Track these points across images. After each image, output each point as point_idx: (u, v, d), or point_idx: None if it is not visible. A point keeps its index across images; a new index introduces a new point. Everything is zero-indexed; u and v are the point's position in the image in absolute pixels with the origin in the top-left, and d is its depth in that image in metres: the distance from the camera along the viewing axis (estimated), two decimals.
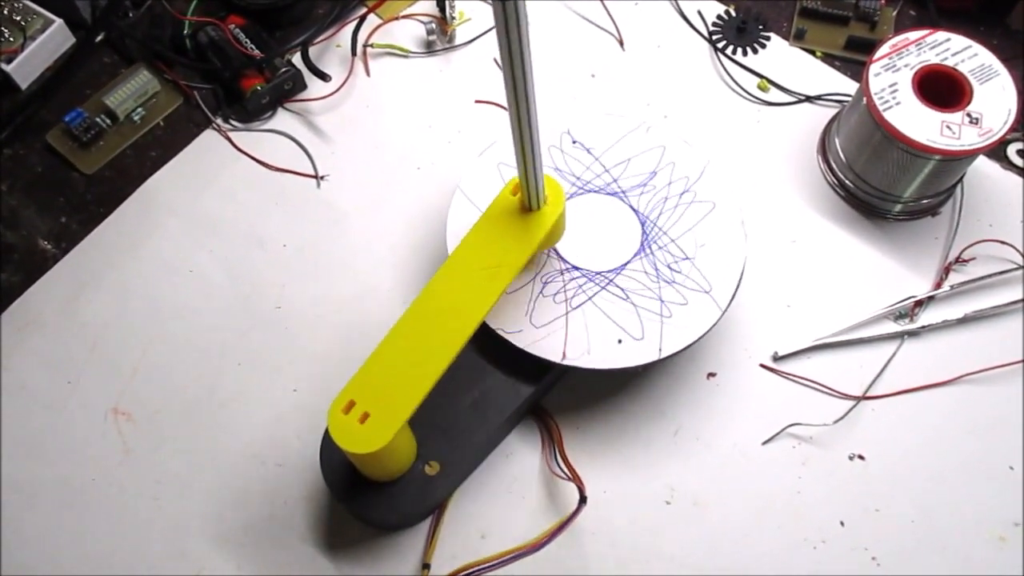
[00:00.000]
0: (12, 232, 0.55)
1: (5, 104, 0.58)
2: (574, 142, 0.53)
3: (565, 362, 0.46)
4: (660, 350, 0.47)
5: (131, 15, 0.61)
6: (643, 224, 0.50)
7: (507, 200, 0.45)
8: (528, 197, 0.44)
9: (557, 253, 0.49)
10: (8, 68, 0.58)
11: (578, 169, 0.52)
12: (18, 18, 0.59)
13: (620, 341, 0.47)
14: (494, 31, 0.60)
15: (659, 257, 0.49)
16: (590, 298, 0.48)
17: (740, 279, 0.49)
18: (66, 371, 0.51)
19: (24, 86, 0.59)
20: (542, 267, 0.49)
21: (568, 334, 0.47)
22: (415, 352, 0.42)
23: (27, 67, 0.59)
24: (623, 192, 0.51)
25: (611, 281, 0.49)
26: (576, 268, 0.49)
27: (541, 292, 0.48)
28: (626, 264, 0.49)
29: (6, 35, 0.59)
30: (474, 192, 0.51)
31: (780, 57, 0.61)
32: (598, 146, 0.53)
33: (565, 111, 0.54)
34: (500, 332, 0.47)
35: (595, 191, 0.51)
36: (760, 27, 0.62)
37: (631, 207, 0.51)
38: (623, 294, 0.48)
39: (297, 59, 0.59)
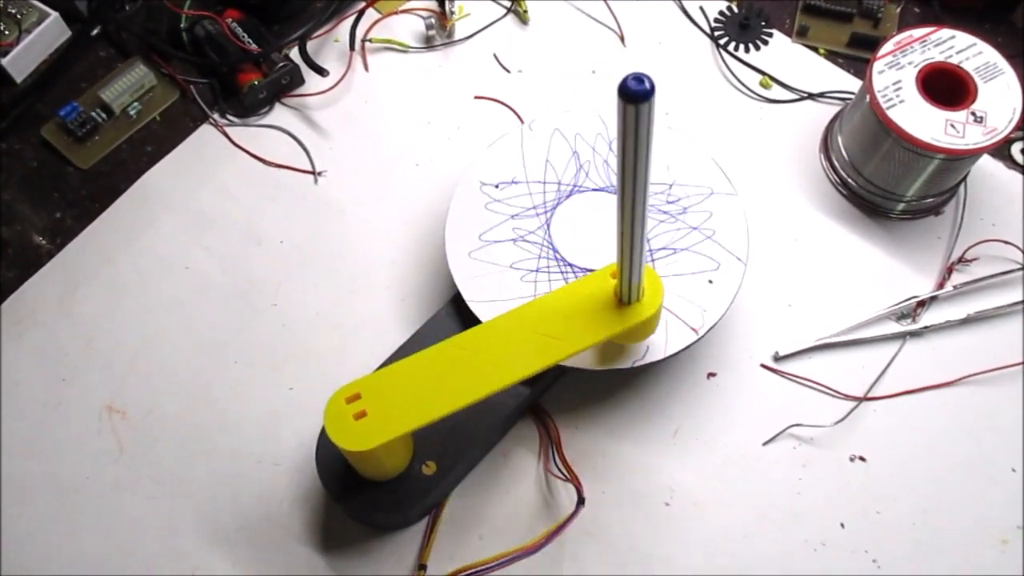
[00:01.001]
0: (7, 227, 0.55)
1: (0, 98, 0.58)
2: (570, 140, 0.52)
3: (564, 362, 0.46)
4: (659, 351, 0.46)
5: (127, 8, 0.60)
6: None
7: (603, 281, 0.43)
8: (622, 291, 0.42)
9: (557, 252, 0.49)
10: (3, 61, 0.57)
11: (575, 167, 0.51)
12: (14, 11, 0.59)
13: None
14: (494, 26, 0.61)
15: (659, 255, 0.49)
16: None
17: (741, 278, 0.48)
18: (60, 368, 0.51)
19: (19, 80, 0.59)
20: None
21: None
22: (440, 380, 0.41)
23: (22, 60, 0.58)
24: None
25: None
26: (575, 266, 0.49)
27: (537, 291, 0.48)
28: None
29: (1, 28, 0.58)
30: (477, 188, 0.51)
31: (783, 54, 0.61)
32: (597, 144, 0.52)
33: (565, 108, 0.53)
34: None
35: (594, 189, 0.51)
36: (763, 23, 0.61)
37: None
38: None
39: (295, 54, 0.59)
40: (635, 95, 0.30)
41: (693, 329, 0.47)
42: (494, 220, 0.50)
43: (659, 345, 0.47)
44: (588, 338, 0.42)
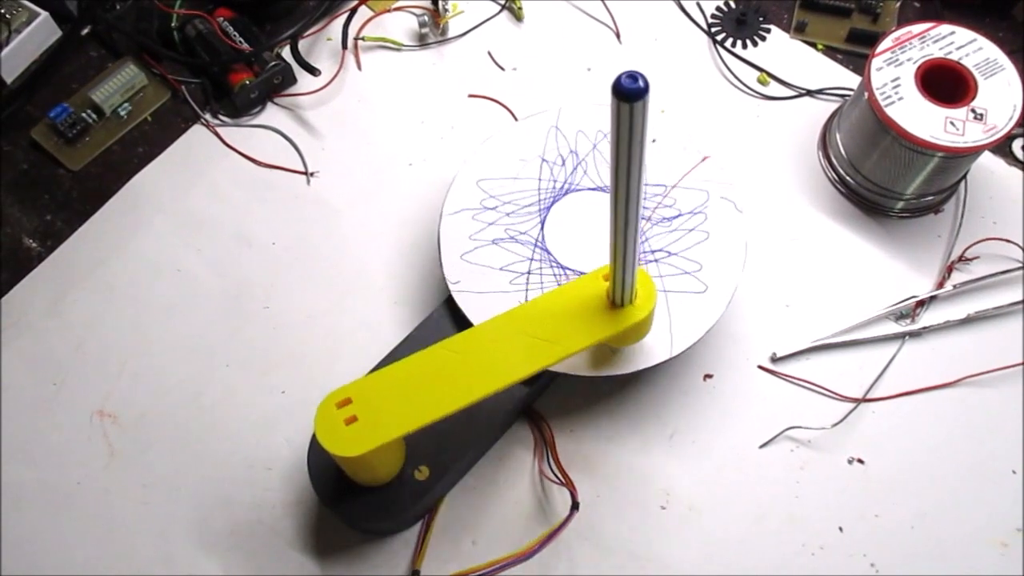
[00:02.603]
0: None
1: None
2: (565, 138, 0.52)
3: (559, 369, 0.45)
4: (655, 355, 0.46)
5: (118, 8, 0.60)
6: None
7: (596, 283, 0.42)
8: (615, 293, 0.41)
9: (550, 255, 0.48)
10: None
11: (570, 167, 0.51)
12: (3, 11, 0.58)
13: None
14: (489, 23, 0.60)
15: (654, 256, 0.48)
16: None
17: (738, 278, 0.48)
18: (51, 372, 0.50)
19: (9, 80, 0.58)
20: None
21: None
22: (431, 384, 0.40)
23: (12, 61, 0.58)
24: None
25: None
26: (567, 269, 0.48)
27: (531, 296, 0.47)
28: None
29: None
30: (470, 188, 0.50)
31: (780, 50, 0.60)
32: (592, 141, 0.51)
33: (559, 106, 0.53)
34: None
35: (588, 188, 0.50)
36: (760, 19, 0.61)
37: None
38: None
39: (287, 53, 0.58)
40: (629, 93, 0.30)
41: (689, 331, 0.46)
42: (488, 220, 0.49)
43: (654, 349, 0.46)
44: (581, 341, 0.42)
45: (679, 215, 0.49)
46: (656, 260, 0.48)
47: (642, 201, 0.36)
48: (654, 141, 0.51)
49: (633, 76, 0.30)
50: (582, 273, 0.48)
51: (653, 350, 0.46)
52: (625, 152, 0.33)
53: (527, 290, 0.48)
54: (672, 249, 0.48)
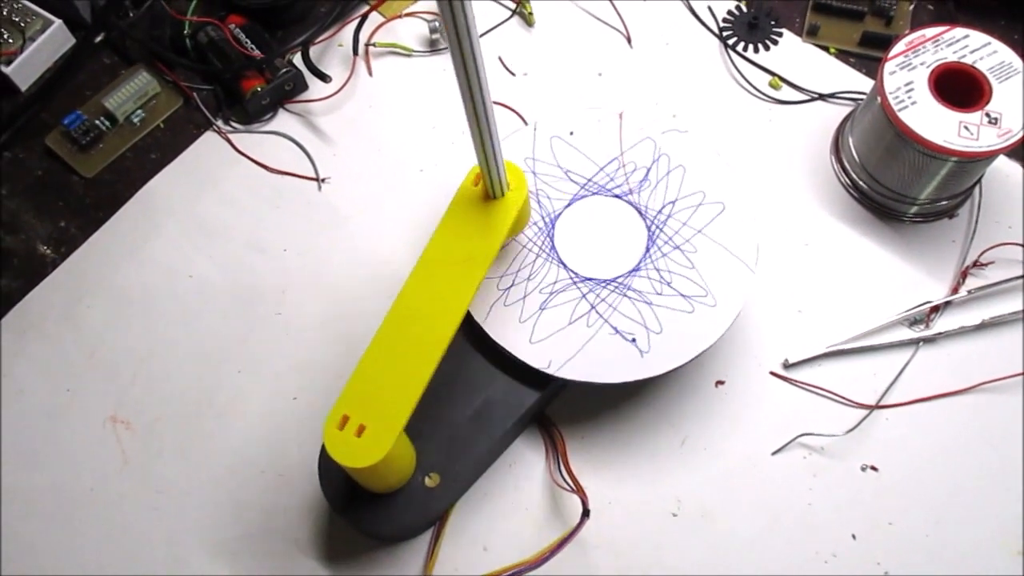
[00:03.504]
0: (12, 237, 0.55)
1: (4, 106, 0.58)
2: (576, 143, 0.51)
3: (568, 376, 0.45)
4: (668, 361, 0.46)
5: (131, 15, 0.60)
6: (649, 228, 0.49)
7: (469, 191, 0.45)
8: (490, 185, 0.43)
9: (561, 261, 0.48)
10: (7, 70, 0.57)
11: (582, 171, 0.51)
12: (17, 19, 0.59)
13: (631, 344, 0.46)
14: (499, 28, 0.60)
15: (666, 262, 0.48)
16: (592, 307, 0.47)
17: (750, 284, 0.47)
18: (65, 378, 0.51)
19: (24, 88, 0.59)
20: (517, 257, 0.48)
21: (572, 345, 0.46)
22: (401, 358, 0.41)
23: (27, 69, 0.58)
24: (628, 193, 0.50)
25: (616, 289, 0.47)
26: (579, 276, 0.48)
27: (544, 303, 0.47)
28: (632, 271, 0.48)
29: (5, 36, 0.58)
30: None
31: (793, 54, 0.59)
32: (602, 146, 0.51)
33: (570, 110, 0.53)
34: (501, 345, 0.46)
35: (598, 193, 0.50)
36: (772, 23, 0.60)
37: (636, 209, 0.49)
38: (629, 302, 0.47)
39: (298, 59, 0.58)
40: None
41: (701, 338, 0.46)
42: None
43: (668, 355, 0.46)
44: (490, 244, 0.44)
45: (690, 218, 0.49)
46: (663, 268, 0.48)
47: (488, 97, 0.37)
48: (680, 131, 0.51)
49: None
50: (590, 278, 0.48)
51: (665, 356, 0.46)
52: (455, 40, 0.34)
53: (526, 292, 0.47)
54: (683, 256, 0.48)
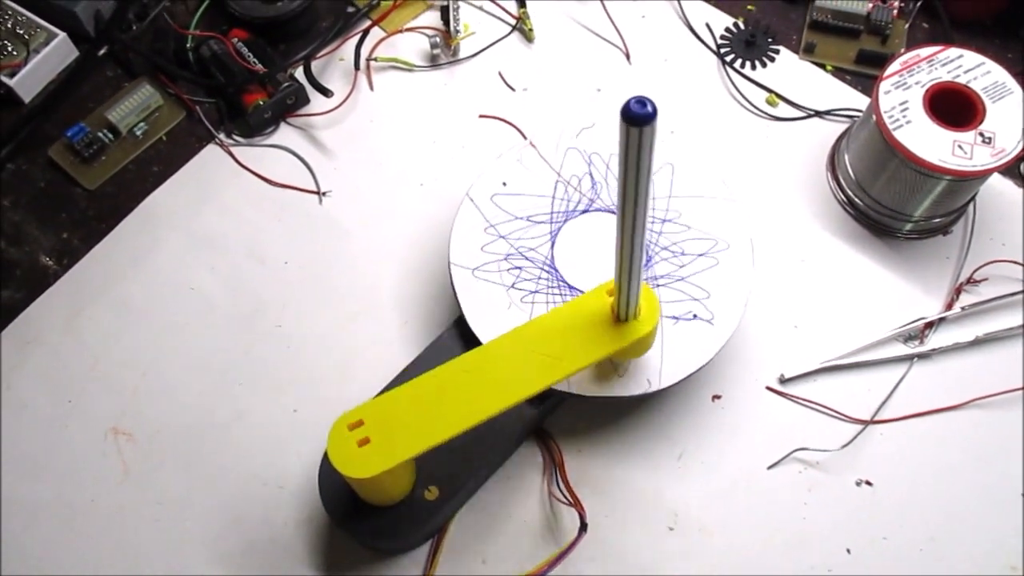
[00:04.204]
0: (15, 248, 0.55)
1: (8, 119, 0.58)
2: (574, 158, 0.52)
3: (568, 389, 0.46)
4: (665, 376, 0.46)
5: (134, 29, 0.61)
6: (647, 243, 0.50)
7: (600, 299, 0.43)
8: (619, 308, 0.42)
9: (560, 277, 0.49)
10: (11, 82, 0.58)
11: (580, 188, 0.51)
12: (21, 31, 0.59)
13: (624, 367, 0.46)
14: (499, 44, 0.61)
15: (664, 277, 0.49)
16: None
17: (747, 299, 0.48)
18: (67, 389, 0.51)
19: (27, 100, 0.59)
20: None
21: None
22: (441, 403, 0.41)
23: (30, 81, 0.59)
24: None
25: None
26: (575, 289, 0.48)
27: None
28: None
29: (9, 49, 0.59)
30: (480, 206, 0.51)
31: (789, 71, 0.60)
32: (600, 162, 0.52)
33: (568, 127, 0.53)
34: None
35: (597, 210, 0.51)
36: (769, 40, 0.61)
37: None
38: None
39: (300, 73, 0.59)
40: (638, 118, 0.30)
41: (698, 353, 0.46)
42: (498, 240, 0.50)
43: (663, 371, 0.46)
44: (587, 356, 0.42)
45: (687, 233, 0.49)
46: (665, 284, 0.48)
47: (648, 221, 0.37)
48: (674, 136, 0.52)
49: (642, 101, 0.30)
50: (582, 291, 0.48)
51: (661, 371, 0.46)
52: (633, 174, 0.33)
53: (532, 307, 0.48)
54: (680, 272, 0.49)
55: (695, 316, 0.47)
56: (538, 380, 0.42)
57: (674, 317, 0.47)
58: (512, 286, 0.49)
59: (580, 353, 0.42)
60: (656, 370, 0.46)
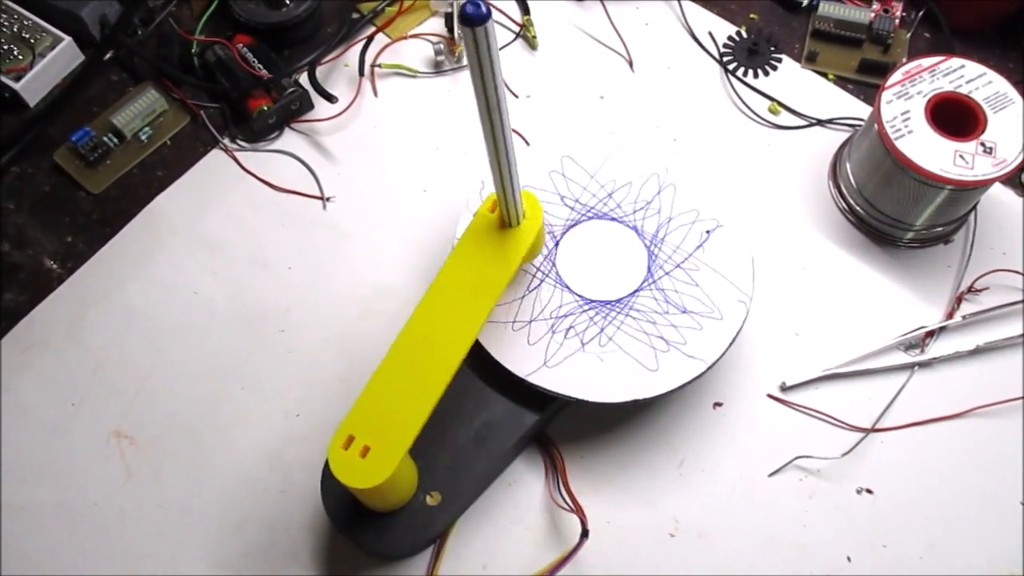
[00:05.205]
0: (19, 252, 0.55)
1: (13, 122, 0.58)
2: (577, 165, 0.52)
3: (570, 395, 0.46)
4: (667, 382, 0.46)
5: (140, 33, 0.61)
6: (649, 251, 0.50)
7: (486, 218, 0.45)
8: (507, 213, 0.44)
9: (563, 283, 0.49)
10: (17, 86, 0.58)
11: (582, 195, 0.51)
12: (27, 36, 0.59)
13: (636, 363, 0.46)
14: (503, 51, 0.61)
15: (666, 285, 0.49)
16: (602, 329, 0.48)
17: (748, 307, 0.48)
18: (69, 393, 0.51)
19: (32, 104, 0.59)
20: (530, 284, 0.49)
21: (572, 366, 0.47)
22: (409, 380, 0.42)
23: (36, 85, 0.59)
24: (628, 217, 0.51)
25: (617, 311, 0.48)
26: (582, 298, 0.49)
27: (552, 329, 0.48)
28: (632, 294, 0.48)
29: (15, 53, 0.59)
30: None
31: (792, 79, 0.60)
32: (603, 170, 0.52)
33: (571, 134, 0.53)
34: (503, 364, 0.47)
35: (599, 216, 0.51)
36: (771, 49, 0.61)
37: (637, 233, 0.50)
38: (629, 325, 0.48)
39: (304, 79, 0.59)
40: (473, 18, 0.32)
41: (700, 360, 0.47)
42: None
43: (666, 377, 0.46)
44: (504, 271, 0.44)
45: (689, 241, 0.50)
46: (665, 290, 0.49)
47: (508, 119, 0.38)
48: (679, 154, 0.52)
49: (476, 3, 0.32)
50: (591, 300, 0.48)
51: (664, 378, 0.46)
52: (478, 73, 0.35)
53: (532, 316, 0.48)
54: (683, 279, 0.49)
55: (696, 321, 0.48)
56: (476, 313, 0.43)
57: (675, 326, 0.48)
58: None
59: (496, 272, 0.44)
60: (657, 375, 0.46)
